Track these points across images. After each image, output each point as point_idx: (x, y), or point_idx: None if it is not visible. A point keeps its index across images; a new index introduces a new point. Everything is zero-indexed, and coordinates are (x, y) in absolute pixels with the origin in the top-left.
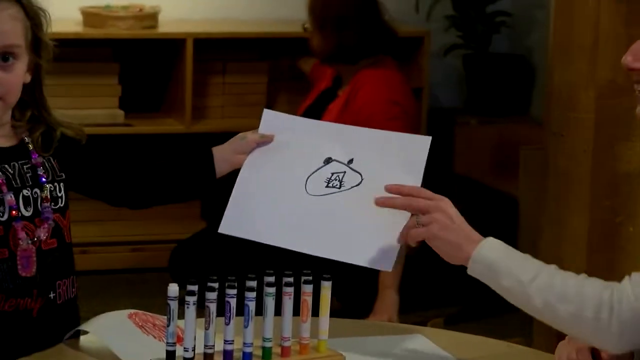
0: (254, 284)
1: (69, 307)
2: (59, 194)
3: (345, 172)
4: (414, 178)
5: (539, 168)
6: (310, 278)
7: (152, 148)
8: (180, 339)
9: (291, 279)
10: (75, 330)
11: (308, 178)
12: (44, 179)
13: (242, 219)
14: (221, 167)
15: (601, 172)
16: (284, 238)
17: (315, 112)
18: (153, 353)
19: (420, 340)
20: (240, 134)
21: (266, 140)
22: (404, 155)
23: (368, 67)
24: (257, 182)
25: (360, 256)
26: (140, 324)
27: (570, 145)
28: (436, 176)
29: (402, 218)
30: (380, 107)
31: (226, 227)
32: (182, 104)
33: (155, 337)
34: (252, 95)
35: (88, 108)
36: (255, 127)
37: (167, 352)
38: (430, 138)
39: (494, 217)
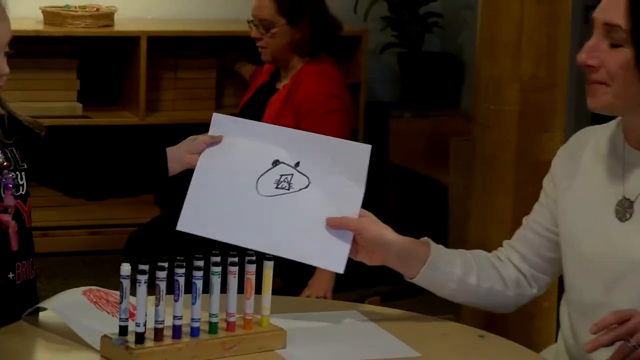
0: (201, 263)
1: (28, 287)
2: (21, 182)
3: (292, 174)
4: (357, 184)
5: (468, 157)
6: (254, 258)
7: (109, 143)
8: (132, 315)
9: (236, 259)
10: (34, 308)
11: (258, 179)
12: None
13: (197, 218)
14: (173, 166)
15: (524, 160)
16: (238, 236)
17: (254, 106)
18: (107, 328)
19: (356, 316)
20: (191, 136)
21: (215, 141)
22: (346, 161)
23: (308, 62)
24: (210, 183)
25: (312, 256)
26: (94, 300)
27: (495, 136)
28: (372, 165)
29: (350, 220)
30: (321, 99)
31: (183, 225)
32: (137, 98)
33: (108, 313)
34: (202, 89)
35: (49, 101)
36: (204, 119)
37: (120, 327)
38: (370, 147)
39: (426, 203)
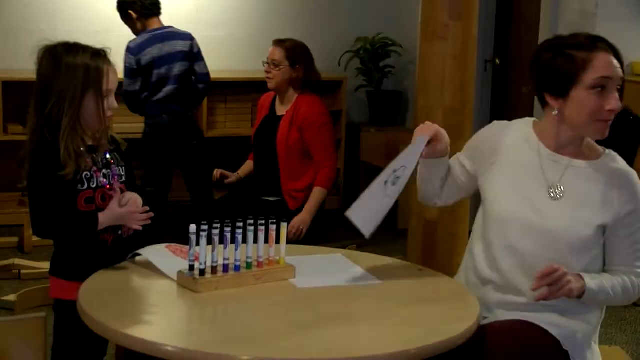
0: (241, 224)
1: (131, 240)
2: (122, 173)
3: (394, 172)
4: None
5: None
6: (275, 221)
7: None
8: (197, 258)
9: (263, 221)
10: (134, 254)
11: (384, 184)
12: (114, 165)
13: (360, 214)
14: None
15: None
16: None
17: (265, 130)
18: (180, 267)
19: (340, 257)
20: None
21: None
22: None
23: (300, 94)
24: (375, 188)
25: None
26: (172, 251)
27: None
28: (349, 164)
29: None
30: (316, 117)
31: (351, 214)
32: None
33: (182, 258)
34: (242, 114)
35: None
36: (243, 134)
37: (190, 265)
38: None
39: None
